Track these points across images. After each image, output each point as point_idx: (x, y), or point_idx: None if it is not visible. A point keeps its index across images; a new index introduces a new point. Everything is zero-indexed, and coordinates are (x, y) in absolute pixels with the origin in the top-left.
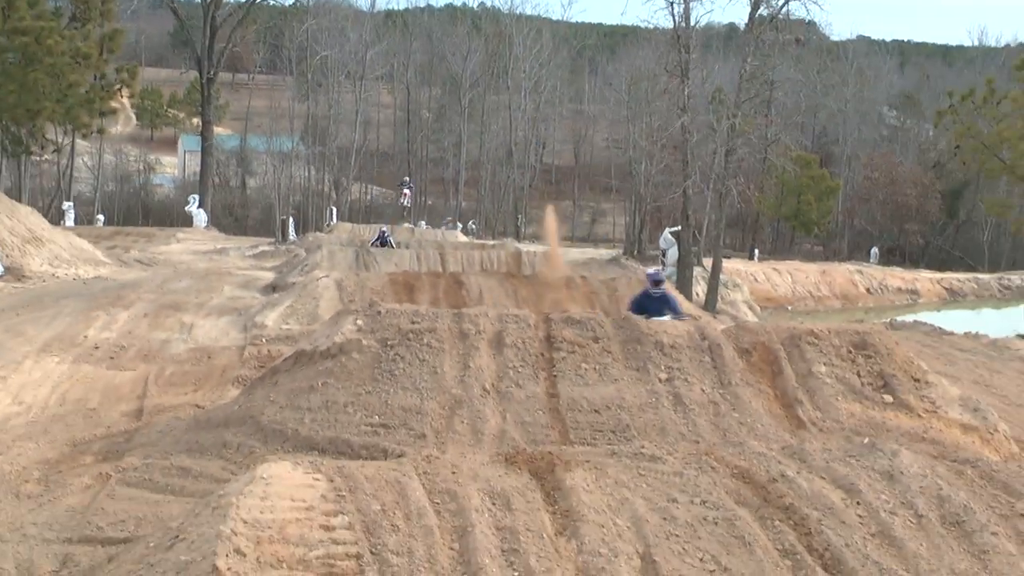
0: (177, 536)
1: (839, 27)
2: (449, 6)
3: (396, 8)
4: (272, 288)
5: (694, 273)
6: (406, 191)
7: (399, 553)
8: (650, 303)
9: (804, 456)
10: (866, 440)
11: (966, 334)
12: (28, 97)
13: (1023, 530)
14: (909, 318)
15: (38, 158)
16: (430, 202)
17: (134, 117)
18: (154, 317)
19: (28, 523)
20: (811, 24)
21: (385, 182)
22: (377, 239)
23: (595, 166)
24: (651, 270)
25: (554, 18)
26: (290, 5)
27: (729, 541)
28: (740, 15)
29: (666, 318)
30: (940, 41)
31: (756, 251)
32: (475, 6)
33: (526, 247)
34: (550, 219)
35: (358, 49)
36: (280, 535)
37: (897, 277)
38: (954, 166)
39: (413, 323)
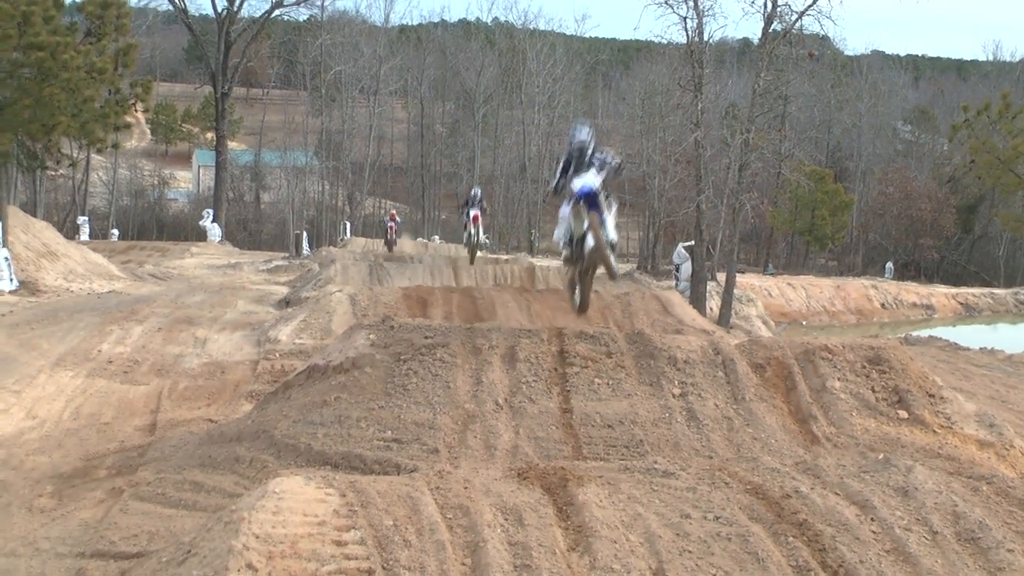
0: (189, 551)
1: (853, 42)
2: (463, 21)
3: (410, 23)
4: (286, 303)
5: (708, 288)
6: (391, 224)
7: (411, 568)
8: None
9: (818, 472)
10: (880, 456)
11: (982, 349)
12: (43, 112)
13: None
14: (924, 333)
15: (53, 173)
16: (443, 216)
17: (149, 132)
18: (168, 331)
19: (41, 537)
20: (825, 39)
21: (399, 196)
22: (466, 204)
23: (609, 181)
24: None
25: (568, 33)
26: (304, 20)
27: (742, 557)
28: (754, 30)
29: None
30: (955, 56)
31: (770, 266)
32: (489, 21)
33: (539, 262)
34: None
35: (372, 64)
36: (292, 550)
37: (912, 292)
38: (969, 181)
39: (426, 338)
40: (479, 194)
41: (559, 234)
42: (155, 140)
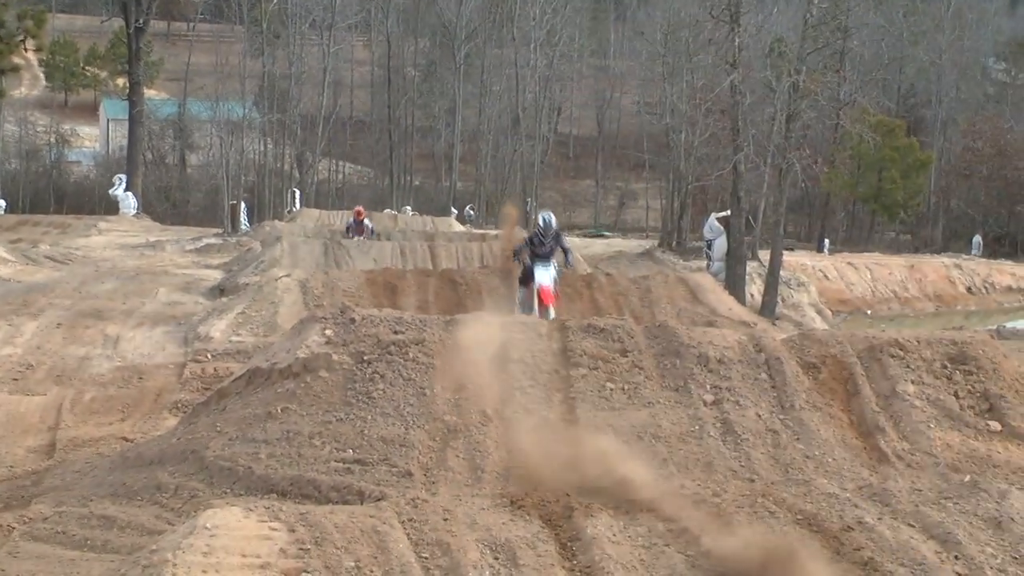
0: None
1: None
2: None
3: None
4: (219, 291)
5: (748, 269)
6: (358, 238)
7: None
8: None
9: (887, 498)
10: (967, 478)
11: None
12: None
13: None
14: (1021, 324)
15: None
16: (417, 182)
17: (42, 77)
18: (70, 328)
19: None
20: None
21: (360, 157)
22: (531, 245)
23: (623, 136)
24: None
25: None
26: None
27: None
28: None
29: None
30: None
31: (826, 242)
32: None
33: None
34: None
35: None
36: None
37: (1006, 273)
38: None
39: (396, 333)
40: (552, 223)
41: None
42: (51, 87)
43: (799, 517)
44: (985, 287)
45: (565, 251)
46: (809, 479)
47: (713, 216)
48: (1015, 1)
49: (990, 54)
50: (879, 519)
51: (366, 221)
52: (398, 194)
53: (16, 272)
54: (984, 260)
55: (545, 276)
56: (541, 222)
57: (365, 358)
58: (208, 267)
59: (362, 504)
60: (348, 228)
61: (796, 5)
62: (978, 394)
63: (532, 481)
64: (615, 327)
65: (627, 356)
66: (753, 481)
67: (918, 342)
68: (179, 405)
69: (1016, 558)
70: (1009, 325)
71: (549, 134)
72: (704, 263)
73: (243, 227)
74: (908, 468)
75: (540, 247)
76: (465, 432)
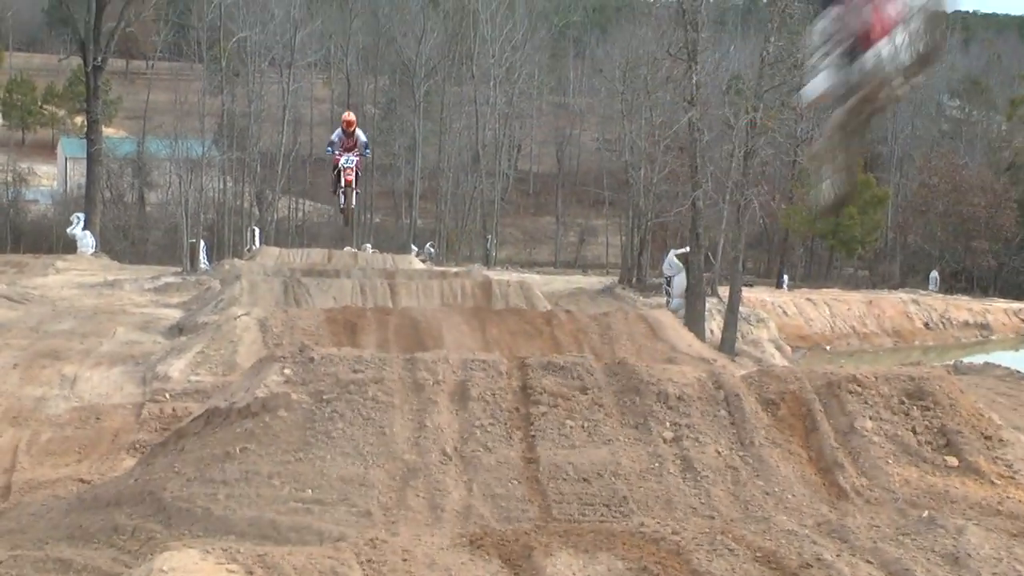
0: None
1: None
2: None
3: None
4: (178, 330)
5: (707, 306)
6: (347, 162)
7: None
8: None
9: (846, 534)
10: (924, 514)
11: None
12: None
13: None
14: (978, 359)
15: None
16: (377, 220)
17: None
18: (26, 368)
19: None
20: None
21: (320, 195)
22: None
23: (583, 173)
24: None
25: None
26: None
27: None
28: None
29: None
30: (1015, 12)
31: (785, 278)
32: None
33: (497, 275)
34: None
35: (285, 29)
36: None
37: (963, 308)
38: None
39: (355, 372)
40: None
41: None
42: (8, 126)
43: (758, 554)
44: (942, 322)
45: None
46: (768, 516)
47: (672, 252)
48: (968, 39)
49: (944, 91)
50: (838, 555)
51: (358, 131)
52: (358, 232)
53: None
54: (941, 295)
55: None
56: None
57: (324, 397)
58: (167, 306)
59: (321, 544)
60: (331, 144)
61: (753, 43)
62: (935, 430)
63: None
64: (575, 364)
65: (587, 393)
66: (713, 518)
67: (876, 378)
68: (137, 446)
69: None
70: (966, 360)
71: (509, 171)
72: (664, 300)
73: (202, 266)
74: (866, 504)
75: None
76: (425, 471)
